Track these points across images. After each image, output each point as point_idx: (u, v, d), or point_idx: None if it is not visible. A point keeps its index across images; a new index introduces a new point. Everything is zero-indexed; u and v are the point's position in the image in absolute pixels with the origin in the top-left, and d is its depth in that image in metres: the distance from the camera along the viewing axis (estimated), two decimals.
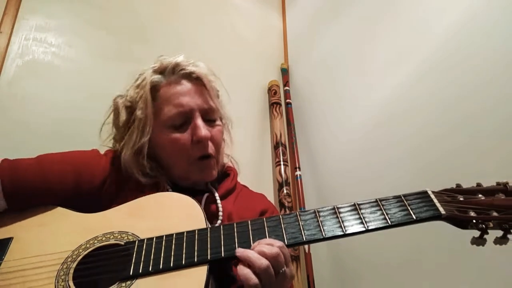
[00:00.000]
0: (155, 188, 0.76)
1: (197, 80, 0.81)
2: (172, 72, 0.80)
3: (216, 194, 0.81)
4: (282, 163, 1.47)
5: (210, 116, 0.81)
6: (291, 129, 1.56)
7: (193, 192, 0.77)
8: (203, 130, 0.76)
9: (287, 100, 1.64)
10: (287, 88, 1.67)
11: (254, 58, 1.71)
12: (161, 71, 0.81)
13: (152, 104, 0.78)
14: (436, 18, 1.12)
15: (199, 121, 0.77)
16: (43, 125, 1.06)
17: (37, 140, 1.03)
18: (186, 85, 0.80)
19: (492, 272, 0.86)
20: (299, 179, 1.44)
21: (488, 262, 0.86)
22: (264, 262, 0.55)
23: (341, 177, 1.34)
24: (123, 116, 0.82)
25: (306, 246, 1.32)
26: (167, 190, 0.77)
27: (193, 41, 1.51)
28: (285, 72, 1.73)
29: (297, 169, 1.46)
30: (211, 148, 0.79)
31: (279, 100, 1.63)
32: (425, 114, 1.09)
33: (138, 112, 0.78)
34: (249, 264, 0.56)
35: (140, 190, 0.74)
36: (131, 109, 0.81)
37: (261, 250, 0.57)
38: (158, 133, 0.79)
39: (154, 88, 0.79)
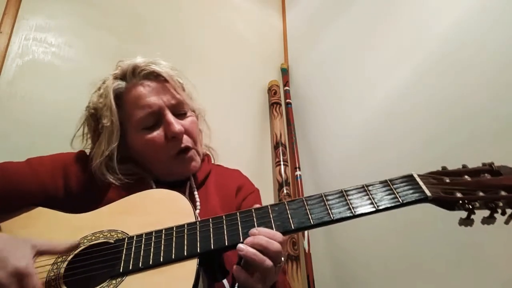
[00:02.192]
0: (141, 184, 0.77)
1: (158, 78, 0.81)
2: (132, 75, 0.80)
3: (193, 183, 0.83)
4: (282, 163, 1.47)
5: (179, 110, 0.82)
6: (291, 129, 1.55)
7: (174, 184, 0.79)
8: (176, 125, 0.77)
9: (287, 100, 1.64)
10: (287, 88, 1.67)
11: (254, 58, 1.70)
12: (121, 76, 0.81)
13: (117, 111, 0.78)
14: (435, 18, 1.11)
15: (171, 117, 0.78)
16: (43, 125, 1.06)
17: (37, 140, 1.03)
18: (149, 85, 0.80)
19: (492, 276, 0.86)
20: (299, 179, 1.44)
21: (487, 265, 0.86)
22: (276, 245, 0.56)
23: (341, 177, 1.33)
24: (90, 125, 0.83)
25: (306, 246, 1.32)
26: (151, 186, 0.78)
27: (193, 41, 1.51)
28: (285, 72, 1.73)
29: (297, 169, 1.46)
30: (187, 141, 0.80)
31: (279, 100, 1.63)
32: (424, 114, 1.08)
33: (104, 121, 0.78)
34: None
35: (126, 188, 0.75)
36: (96, 117, 0.81)
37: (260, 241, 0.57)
38: (133, 137, 0.80)
39: (118, 95, 0.79)
